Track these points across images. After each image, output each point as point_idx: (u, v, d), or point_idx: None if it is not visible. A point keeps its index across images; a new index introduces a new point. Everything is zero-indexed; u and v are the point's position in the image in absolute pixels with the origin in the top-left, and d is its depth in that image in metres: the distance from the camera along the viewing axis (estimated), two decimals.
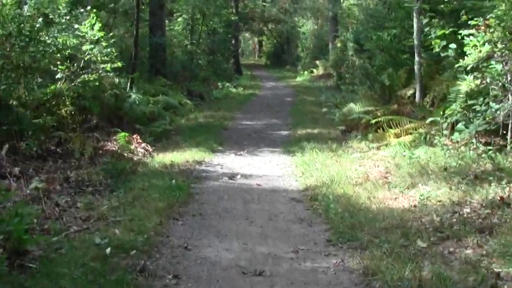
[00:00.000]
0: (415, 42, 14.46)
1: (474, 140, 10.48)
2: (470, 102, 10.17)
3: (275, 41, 47.67)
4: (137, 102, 15.38)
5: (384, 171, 10.30)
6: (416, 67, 14.41)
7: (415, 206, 8.18)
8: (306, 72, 34.04)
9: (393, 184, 9.31)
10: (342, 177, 9.99)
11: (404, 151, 11.02)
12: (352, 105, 15.00)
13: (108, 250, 6.47)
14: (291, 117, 18.51)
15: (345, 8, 29.64)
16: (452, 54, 10.61)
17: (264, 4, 45.12)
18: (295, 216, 8.23)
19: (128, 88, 16.46)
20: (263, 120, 17.91)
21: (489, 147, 9.58)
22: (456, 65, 9.62)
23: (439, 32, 10.61)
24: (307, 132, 15.17)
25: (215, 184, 10.07)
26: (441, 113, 11.62)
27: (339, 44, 28.91)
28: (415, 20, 14.40)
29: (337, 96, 22.55)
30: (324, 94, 24.60)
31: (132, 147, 12.27)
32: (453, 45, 10.57)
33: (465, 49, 8.73)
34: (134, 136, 12.72)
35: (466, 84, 9.16)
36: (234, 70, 34.52)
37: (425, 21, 11.40)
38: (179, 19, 28.52)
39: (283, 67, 42.53)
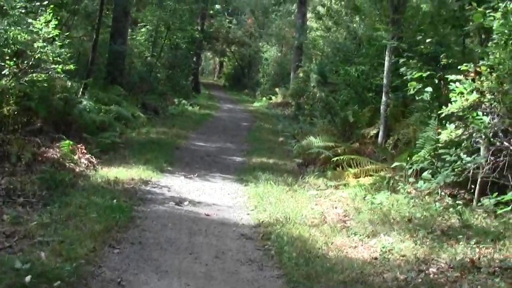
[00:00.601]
0: (384, 81, 13.92)
1: (439, 191, 9.83)
2: (441, 151, 9.50)
3: (236, 63, 46.99)
4: (88, 109, 14.39)
5: (343, 214, 9.57)
6: (382, 107, 13.84)
7: (376, 258, 7.45)
8: (264, 98, 33.34)
9: (352, 230, 8.57)
10: (298, 216, 9.24)
11: (366, 195, 10.30)
12: (311, 138, 14.26)
13: (28, 278, 5.58)
14: (247, 143, 17.69)
15: (311, 39, 29.06)
16: (427, 98, 9.96)
17: (230, 25, 44.48)
18: (245, 255, 7.39)
19: (80, 93, 15.46)
20: (217, 143, 17.05)
21: (457, 202, 8.90)
22: (439, 111, 8.94)
23: (416, 74, 9.95)
24: (262, 161, 14.36)
25: (160, 209, 9.16)
26: (406, 158, 10.98)
27: (301, 74, 28.30)
28: (387, 58, 13.86)
29: (295, 127, 21.88)
30: (282, 122, 23.87)
31: (76, 157, 11.31)
32: (429, 89, 9.94)
33: (450, 95, 8.06)
34: (80, 145, 11.76)
35: (447, 133, 8.49)
36: (192, 88, 33.63)
37: (401, 60, 10.71)
38: (143, 29, 27.54)
39: (242, 91, 41.82)
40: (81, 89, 15.67)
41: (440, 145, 9.91)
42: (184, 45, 30.68)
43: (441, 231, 8.14)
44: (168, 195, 10.16)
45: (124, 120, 16.88)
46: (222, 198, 10.48)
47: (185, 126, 19.61)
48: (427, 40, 11.13)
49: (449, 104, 8.12)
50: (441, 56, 10.30)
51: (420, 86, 10.02)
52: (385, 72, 13.90)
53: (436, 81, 10.04)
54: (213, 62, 56.37)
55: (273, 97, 32.91)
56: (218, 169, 13.16)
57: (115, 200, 8.98)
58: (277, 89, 33.09)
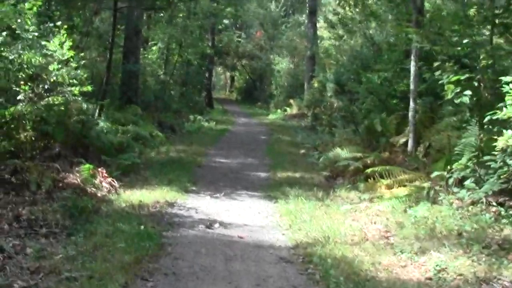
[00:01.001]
0: (411, 86, 13.27)
1: (484, 200, 9.15)
2: (486, 157, 8.85)
3: (247, 77, 46.48)
4: (105, 131, 13.84)
5: (384, 230, 8.90)
6: (410, 113, 13.18)
7: (430, 278, 6.79)
8: (279, 110, 32.77)
9: (398, 247, 7.89)
10: (336, 234, 8.58)
11: (405, 208, 9.63)
12: (338, 150, 13.62)
13: None
14: (268, 157, 17.07)
15: (324, 48, 28.46)
16: (467, 102, 9.30)
17: (239, 39, 43.99)
18: (287, 282, 6.74)
19: (96, 115, 14.93)
20: (238, 159, 16.44)
21: (510, 212, 8.23)
22: (488, 114, 8.28)
23: (454, 78, 9.29)
24: (288, 176, 13.73)
25: (191, 234, 8.53)
26: (444, 166, 10.33)
27: (316, 84, 27.74)
28: (412, 63, 13.21)
29: (314, 138, 21.28)
30: (300, 134, 23.28)
31: (97, 181, 10.71)
32: (468, 92, 9.28)
33: (506, 98, 7.41)
34: (100, 169, 11.16)
35: (504, 139, 7.84)
36: (206, 104, 33.13)
37: (436, 63, 10.07)
38: (154, 48, 27.05)
39: (255, 104, 41.28)
40: (97, 111, 15.15)
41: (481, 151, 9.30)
42: (196, 61, 30.20)
43: (497, 245, 7.46)
44: (197, 218, 9.53)
45: (142, 140, 16.30)
46: (253, 217, 9.84)
47: (203, 143, 19.02)
48: (464, 41, 10.46)
49: (505, 108, 7.45)
50: (480, 58, 9.63)
51: (459, 90, 9.36)
52: (411, 78, 13.25)
53: (476, 83, 9.38)
54: (224, 76, 55.92)
55: (288, 109, 32.33)
56: (243, 186, 12.54)
57: (142, 227, 8.37)
58: (291, 101, 32.51)
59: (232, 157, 16.57)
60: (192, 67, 30.31)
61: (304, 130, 25.13)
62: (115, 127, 15.58)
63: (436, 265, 7.06)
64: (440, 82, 11.42)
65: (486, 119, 9.12)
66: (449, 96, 9.65)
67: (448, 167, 10.32)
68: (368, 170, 11.51)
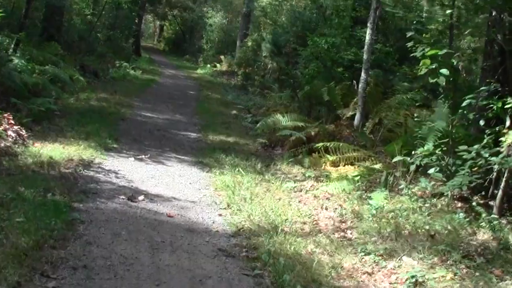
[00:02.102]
0: (364, 56, 11.82)
1: (449, 194, 7.77)
2: (460, 147, 7.43)
3: (177, 28, 44.05)
4: (19, 69, 11.75)
5: (338, 219, 7.42)
6: (361, 85, 11.74)
7: None
8: (209, 66, 30.79)
9: (360, 245, 6.39)
10: (283, 220, 7.03)
11: (361, 194, 8.15)
12: (278, 116, 11.98)
13: None
14: (198, 115, 15.27)
15: (262, 7, 26.63)
16: (443, 83, 7.81)
17: None
18: (230, 286, 5.11)
19: (11, 50, 12.79)
20: (166, 114, 14.58)
21: (492, 214, 6.87)
22: (470, 98, 6.84)
23: (430, 52, 7.75)
24: (221, 140, 12.04)
25: (109, 207, 6.74)
26: (400, 149, 8.90)
27: (250, 43, 25.92)
28: (368, 30, 11.70)
29: (246, 98, 19.67)
30: (230, 93, 21.53)
31: (1, 128, 8.72)
32: (445, 71, 7.77)
33: None
34: (6, 114, 9.16)
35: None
36: (133, 51, 30.76)
37: (409, 34, 8.51)
38: None
39: (182, 56, 39.05)
40: (12, 45, 13.00)
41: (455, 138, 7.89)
42: (126, 5, 27.81)
43: (478, 254, 6.05)
44: (117, 185, 7.75)
45: (61, 83, 14.20)
46: (184, 189, 8.13)
47: (129, 92, 16.99)
48: (447, 12, 8.92)
49: None
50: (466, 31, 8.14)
51: (434, 67, 7.82)
52: (365, 46, 11.77)
53: (454, 61, 7.89)
54: (153, 25, 53.12)
55: (217, 65, 30.42)
56: (171, 148, 10.76)
57: (50, 194, 6.56)
58: (221, 57, 30.59)
59: (159, 112, 14.69)
60: (122, 11, 27.88)
61: (234, 89, 23.38)
62: (32, 66, 13.46)
63: (411, 276, 5.58)
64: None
65: (464, 104, 7.67)
66: (421, 73, 8.11)
67: (403, 150, 8.93)
68: (319, 145, 9.93)
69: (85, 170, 8.10)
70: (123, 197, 7.17)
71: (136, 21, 31.90)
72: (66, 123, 10.99)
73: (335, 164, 10.13)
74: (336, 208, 7.78)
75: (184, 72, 29.37)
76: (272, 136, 12.03)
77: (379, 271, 5.81)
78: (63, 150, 8.83)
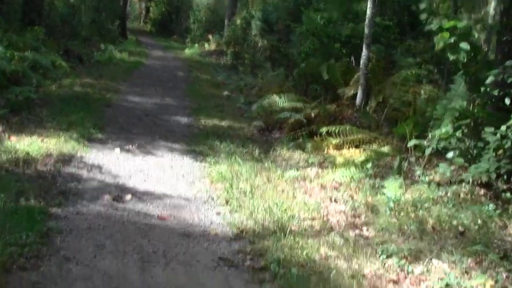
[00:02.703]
0: (366, 30, 10.87)
1: (470, 179, 6.88)
2: (486, 130, 6.53)
3: (163, 9, 42.75)
4: None
5: (351, 213, 6.49)
6: (362, 61, 10.82)
7: None
8: (197, 45, 29.63)
9: (379, 246, 5.49)
10: (289, 216, 6.12)
11: (373, 182, 7.24)
12: (275, 97, 11.00)
13: None
14: (188, 98, 14.25)
15: None
16: (464, 59, 6.87)
17: None
18: None
19: None
20: (154, 98, 13.55)
21: None
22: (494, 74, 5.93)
23: (448, 23, 6.80)
24: (214, 124, 11.07)
25: (91, 211, 5.80)
26: (411, 130, 7.99)
27: (238, 21, 24.82)
28: (369, 4, 10.71)
29: (236, 78, 18.65)
30: (221, 73, 20.49)
31: None
32: (465, 45, 6.83)
33: None
34: None
35: None
36: (119, 33, 29.59)
37: (422, 5, 7.55)
38: None
39: (170, 37, 37.82)
40: None
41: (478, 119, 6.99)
42: None
43: None
44: (102, 182, 6.81)
45: (43, 69, 13.17)
46: (176, 183, 7.19)
47: (115, 76, 15.91)
48: None
49: None
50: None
51: (453, 41, 6.87)
52: (366, 20, 10.80)
53: (476, 35, 6.97)
54: (138, 6, 51.72)
55: (206, 45, 29.29)
56: (161, 135, 9.78)
57: (23, 199, 5.61)
58: (210, 36, 29.45)
59: (147, 96, 13.67)
60: None
61: (224, 68, 22.34)
62: (10, 52, 12.44)
63: (446, 285, 4.70)
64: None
65: (488, 80, 6.75)
66: (439, 47, 7.17)
67: (414, 132, 8.04)
68: (323, 129, 8.97)
69: (65, 166, 7.14)
70: (108, 197, 6.23)
71: (121, 3, 30.67)
72: (47, 113, 9.99)
73: (338, 147, 9.23)
74: (347, 200, 6.87)
75: (172, 53, 28.23)
76: (269, 119, 11.08)
77: (405, 277, 4.94)
78: (42, 144, 7.86)
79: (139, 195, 6.45)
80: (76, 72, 15.09)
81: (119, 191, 6.45)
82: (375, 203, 6.59)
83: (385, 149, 8.66)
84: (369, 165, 7.79)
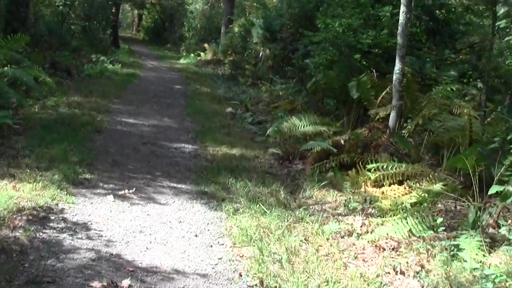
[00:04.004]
0: (399, 40, 8.99)
1: None
2: None
3: (156, 16, 40.80)
4: None
5: None
6: (395, 77, 8.93)
7: None
8: (192, 55, 27.71)
9: None
10: None
11: (445, 244, 5.34)
12: (294, 120, 9.09)
13: None
14: (190, 117, 12.33)
15: None
16: None
17: None
18: None
19: None
20: (152, 119, 11.63)
21: None
22: None
23: None
24: (223, 153, 9.16)
25: None
26: (467, 163, 6.12)
27: (236, 29, 22.94)
28: (403, 8, 8.87)
29: (237, 91, 16.88)
30: (220, 85, 18.61)
31: None
32: None
33: None
34: None
35: None
36: (110, 42, 27.65)
37: (501, 10, 5.70)
38: None
39: (163, 45, 35.90)
40: None
41: None
42: None
43: None
44: (89, 254, 4.86)
45: (25, 86, 11.24)
46: (188, 249, 5.27)
47: (107, 92, 13.94)
48: None
49: None
50: None
51: None
52: (400, 28, 8.92)
53: None
54: (131, 14, 49.73)
55: (201, 54, 27.38)
56: (163, 171, 7.86)
57: None
58: (206, 45, 27.52)
59: (143, 116, 11.75)
60: (98, 0, 24.76)
61: (223, 79, 20.46)
62: None
63: None
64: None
65: None
66: None
67: (476, 166, 6.18)
68: (371, 166, 7.07)
69: (40, 229, 5.21)
70: (97, 283, 4.30)
71: (113, 10, 28.66)
72: (25, 143, 8.08)
73: (377, 183, 7.39)
74: (417, 272, 4.98)
75: (166, 63, 26.30)
76: (287, 145, 9.21)
77: None
78: (13, 192, 5.94)
79: (141, 277, 4.52)
80: (63, 88, 13.15)
81: (113, 272, 4.52)
82: (457, 278, 4.70)
83: (438, 187, 6.78)
84: (415, 204, 5.96)
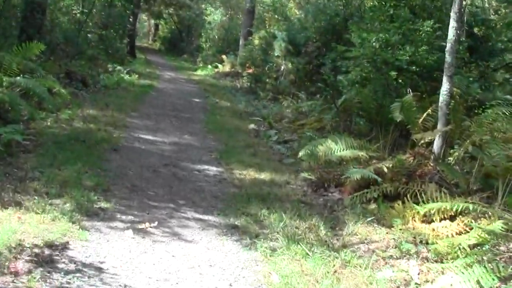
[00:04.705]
0: (447, 58, 8.05)
1: None
2: None
3: (173, 26, 40.06)
4: None
5: None
6: (442, 98, 8.00)
7: None
8: (210, 67, 26.92)
9: None
10: None
11: None
12: (330, 143, 8.16)
13: None
14: (212, 134, 11.45)
15: (271, 1, 22.75)
16: None
17: None
18: None
19: None
20: (171, 135, 10.77)
21: None
22: None
23: None
24: (251, 178, 8.25)
25: None
26: None
27: (256, 41, 22.12)
28: (453, 23, 7.98)
29: (258, 105, 16.07)
30: (239, 98, 17.80)
31: None
32: None
33: None
34: None
35: None
36: (127, 52, 26.87)
37: None
38: None
39: (179, 56, 35.19)
40: None
41: None
42: (120, 2, 23.99)
43: None
44: None
45: (38, 98, 10.43)
46: None
47: (124, 105, 13.09)
48: None
49: None
50: None
51: None
52: (448, 45, 8.02)
53: None
54: (147, 24, 49.08)
55: (219, 66, 26.57)
56: (187, 198, 6.97)
57: None
58: (224, 57, 26.71)
59: (163, 132, 10.89)
60: (115, 8, 24.03)
61: (242, 93, 19.63)
62: None
63: None
64: None
65: None
66: None
67: None
68: (429, 207, 6.14)
69: (47, 276, 4.32)
70: None
71: (131, 19, 27.91)
72: (35, 163, 7.22)
73: (426, 219, 6.49)
74: None
75: (183, 74, 25.49)
76: (320, 168, 8.29)
77: None
78: (17, 225, 5.06)
79: None
80: (78, 100, 12.35)
81: None
82: None
83: (498, 226, 5.84)
84: (475, 246, 5.06)
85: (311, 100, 13.93)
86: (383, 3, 10.83)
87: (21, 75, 10.59)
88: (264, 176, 8.33)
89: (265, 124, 13.00)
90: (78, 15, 19.84)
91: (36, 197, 5.92)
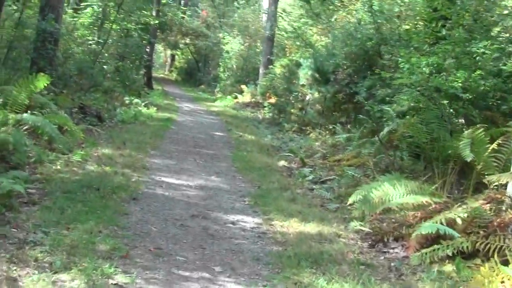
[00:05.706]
0: None
1: None
2: None
3: (190, 56, 39.03)
4: None
5: None
6: None
7: None
8: (229, 97, 25.73)
9: None
10: None
11: None
12: (388, 188, 6.82)
13: None
14: (241, 174, 10.14)
15: (295, 28, 21.56)
16: None
17: (184, 16, 36.20)
18: None
19: None
20: (197, 177, 9.46)
21: None
22: None
23: None
24: (295, 231, 6.87)
25: None
26: None
27: (278, 69, 20.93)
28: None
29: (285, 138, 14.84)
30: (264, 131, 16.57)
31: None
32: None
33: None
34: None
35: None
36: (144, 83, 25.80)
37: None
38: (88, 10, 19.45)
39: (196, 86, 34.15)
40: None
41: None
42: (137, 32, 22.98)
43: None
44: None
45: (47, 137, 9.25)
46: None
47: (142, 142, 11.81)
48: None
49: None
50: None
51: None
52: None
53: None
54: (164, 54, 48.21)
55: (239, 96, 25.39)
56: (224, 263, 5.60)
57: None
58: (243, 87, 25.52)
59: (187, 174, 9.59)
60: (132, 39, 23.00)
61: (265, 124, 18.43)
62: (3, 114, 8.74)
63: None
64: None
65: None
66: None
67: None
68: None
69: None
70: None
71: (147, 49, 26.85)
72: (38, 220, 5.94)
73: None
74: None
75: (202, 105, 24.33)
76: (377, 220, 6.94)
77: None
78: None
79: None
80: (92, 137, 11.11)
81: None
82: None
83: None
84: None
85: (344, 131, 12.63)
86: (430, 23, 9.55)
87: (30, 111, 9.46)
88: (310, 228, 6.97)
89: (297, 161, 11.68)
90: (93, 45, 18.77)
91: (36, 271, 4.61)
